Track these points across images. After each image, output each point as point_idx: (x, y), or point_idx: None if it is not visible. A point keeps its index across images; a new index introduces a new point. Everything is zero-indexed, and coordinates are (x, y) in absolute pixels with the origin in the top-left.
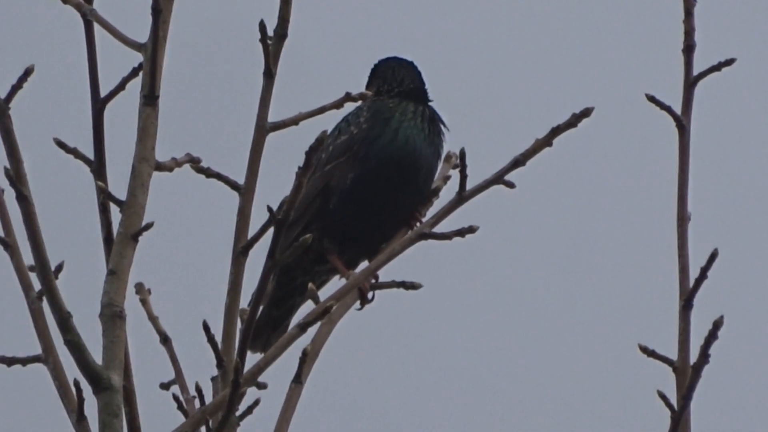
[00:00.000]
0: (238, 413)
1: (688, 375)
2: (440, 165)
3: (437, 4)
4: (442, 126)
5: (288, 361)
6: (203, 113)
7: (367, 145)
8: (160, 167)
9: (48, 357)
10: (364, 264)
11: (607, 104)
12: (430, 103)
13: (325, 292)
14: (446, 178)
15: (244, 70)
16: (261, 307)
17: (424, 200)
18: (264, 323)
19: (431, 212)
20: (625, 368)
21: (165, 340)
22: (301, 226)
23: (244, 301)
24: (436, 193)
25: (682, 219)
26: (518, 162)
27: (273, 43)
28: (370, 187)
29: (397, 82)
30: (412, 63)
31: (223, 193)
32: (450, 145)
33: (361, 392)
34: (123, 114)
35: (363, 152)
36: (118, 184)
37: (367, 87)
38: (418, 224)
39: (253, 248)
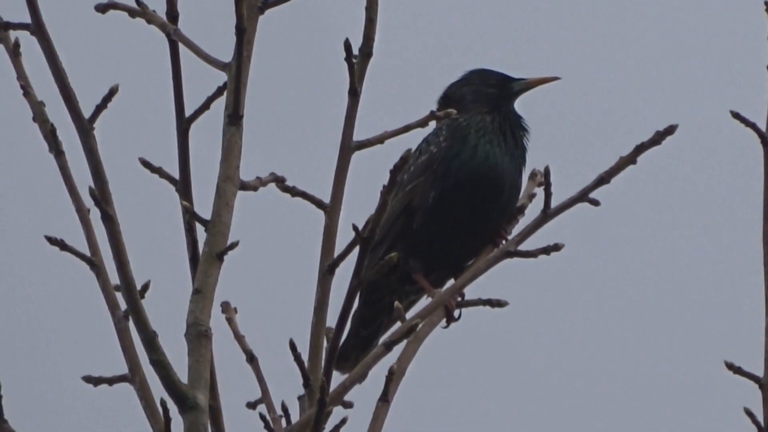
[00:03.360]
0: None
1: None
2: (525, 180)
3: (530, 20)
4: (522, 132)
5: (375, 379)
6: (288, 132)
7: (447, 163)
8: (244, 186)
9: (134, 376)
10: (450, 283)
11: (692, 121)
12: (508, 104)
13: (413, 312)
14: (531, 196)
15: (330, 88)
16: (349, 327)
17: (509, 217)
18: (352, 343)
19: (516, 230)
20: (711, 385)
21: (251, 359)
22: (386, 245)
23: (331, 320)
24: (521, 210)
25: None
26: (603, 180)
27: (358, 62)
28: (452, 205)
29: (457, 99)
30: (476, 71)
31: (308, 211)
32: (535, 162)
33: (447, 411)
34: (208, 133)
35: (443, 170)
36: (203, 204)
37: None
38: (503, 242)
39: (339, 267)
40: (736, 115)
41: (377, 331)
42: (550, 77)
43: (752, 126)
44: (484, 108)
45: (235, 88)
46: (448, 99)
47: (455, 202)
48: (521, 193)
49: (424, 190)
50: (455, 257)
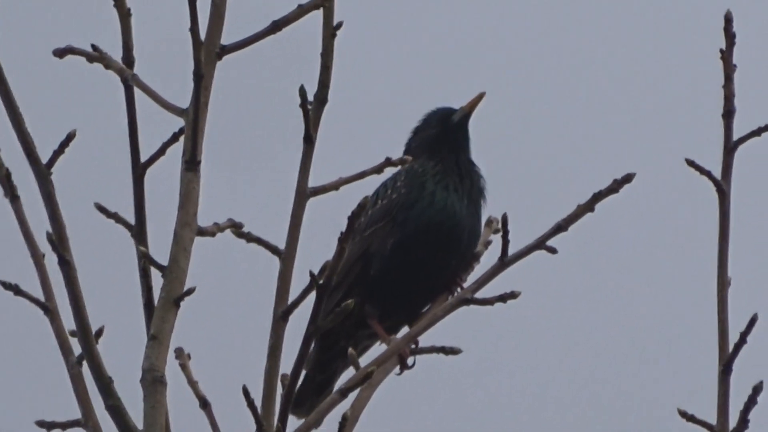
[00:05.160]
0: None
1: None
2: (482, 227)
3: (478, 73)
4: (477, 177)
5: (328, 426)
6: (245, 177)
7: (405, 210)
8: (202, 232)
9: (87, 421)
10: (405, 330)
11: (648, 169)
12: (455, 139)
13: (367, 358)
14: (487, 243)
15: (285, 134)
16: (304, 372)
17: (465, 265)
18: (308, 388)
19: (472, 277)
20: None
21: (204, 404)
22: (342, 291)
23: (285, 366)
24: (477, 258)
25: (723, 284)
26: (560, 227)
27: (313, 108)
28: (410, 253)
29: (412, 145)
30: (425, 115)
31: (263, 257)
32: (492, 209)
33: None
34: (164, 178)
35: (402, 217)
36: (160, 248)
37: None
38: (459, 289)
39: (293, 313)
40: (691, 163)
41: (332, 376)
42: (478, 95)
43: (707, 174)
44: (433, 151)
45: (192, 134)
46: (408, 146)
47: (414, 250)
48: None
49: (383, 237)
50: (412, 304)
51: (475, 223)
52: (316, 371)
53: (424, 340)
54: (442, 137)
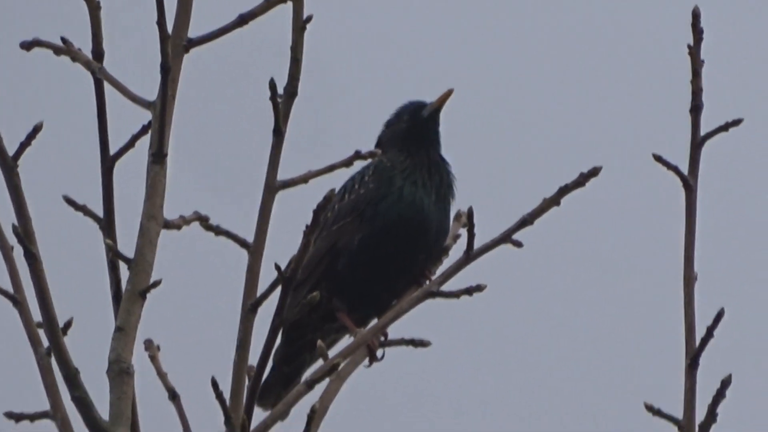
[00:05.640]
0: None
1: None
2: (451, 221)
3: (448, 65)
4: (446, 173)
5: (297, 417)
6: (212, 170)
7: (373, 206)
8: (168, 225)
9: (56, 413)
10: (374, 322)
11: (615, 164)
12: (424, 135)
13: (336, 350)
14: (456, 237)
15: (254, 128)
16: (271, 364)
17: (434, 258)
18: (275, 380)
19: (440, 271)
20: (631, 427)
21: (173, 396)
22: (309, 285)
23: (253, 359)
24: (446, 251)
25: (689, 278)
26: (526, 221)
27: (283, 102)
28: (377, 248)
29: (383, 140)
30: (398, 109)
31: (232, 251)
32: (459, 203)
33: None
34: (133, 171)
35: (370, 213)
36: (127, 242)
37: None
38: (427, 282)
39: (261, 306)
40: (658, 158)
41: (300, 368)
42: (446, 92)
43: (674, 169)
44: (403, 146)
45: (159, 127)
46: (379, 139)
47: (381, 245)
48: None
49: (350, 232)
50: (380, 298)
51: (444, 218)
52: (283, 363)
53: (393, 333)
54: (413, 132)
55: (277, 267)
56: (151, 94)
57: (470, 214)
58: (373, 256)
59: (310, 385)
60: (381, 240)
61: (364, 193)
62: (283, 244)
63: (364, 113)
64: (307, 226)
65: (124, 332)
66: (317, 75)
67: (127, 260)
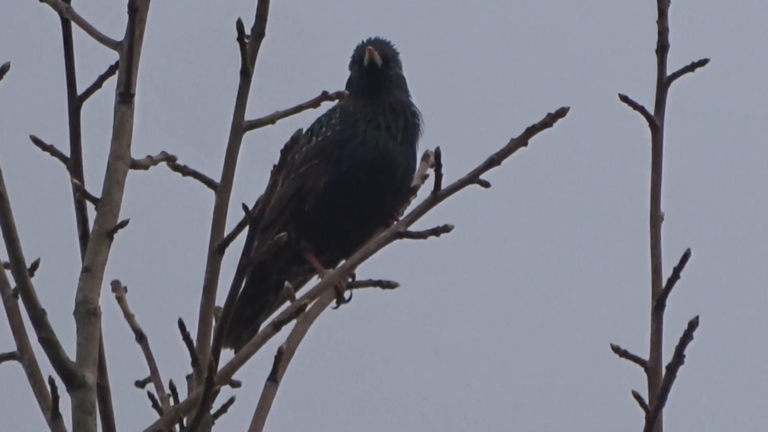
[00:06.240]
0: (212, 411)
1: (660, 375)
2: (419, 162)
3: (418, 6)
4: (411, 114)
5: (264, 359)
6: (180, 111)
7: (339, 148)
8: (135, 165)
9: (23, 354)
10: (342, 263)
11: (582, 104)
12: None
13: (302, 292)
14: (424, 177)
15: (222, 68)
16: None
17: (402, 199)
18: (236, 320)
19: (408, 211)
20: (598, 369)
21: (141, 338)
22: (277, 228)
23: (220, 300)
24: (414, 191)
25: (655, 219)
26: (493, 161)
27: (250, 42)
28: (344, 190)
29: (349, 82)
30: (356, 50)
31: (199, 191)
32: (426, 144)
33: (336, 391)
34: (100, 112)
35: (336, 155)
36: (95, 182)
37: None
38: (394, 223)
39: (229, 247)
40: (624, 99)
41: (262, 308)
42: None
43: (641, 109)
44: (362, 91)
45: (126, 67)
46: (347, 82)
47: (347, 188)
48: (416, 174)
49: (317, 175)
50: (347, 240)
51: (410, 159)
52: (246, 304)
53: (361, 275)
54: (365, 79)
55: (245, 207)
56: (119, 34)
57: (437, 154)
58: (340, 198)
59: (277, 326)
60: (347, 182)
61: (330, 135)
62: (251, 186)
63: (332, 53)
64: (274, 166)
65: (91, 273)
66: (286, 17)
67: (94, 200)
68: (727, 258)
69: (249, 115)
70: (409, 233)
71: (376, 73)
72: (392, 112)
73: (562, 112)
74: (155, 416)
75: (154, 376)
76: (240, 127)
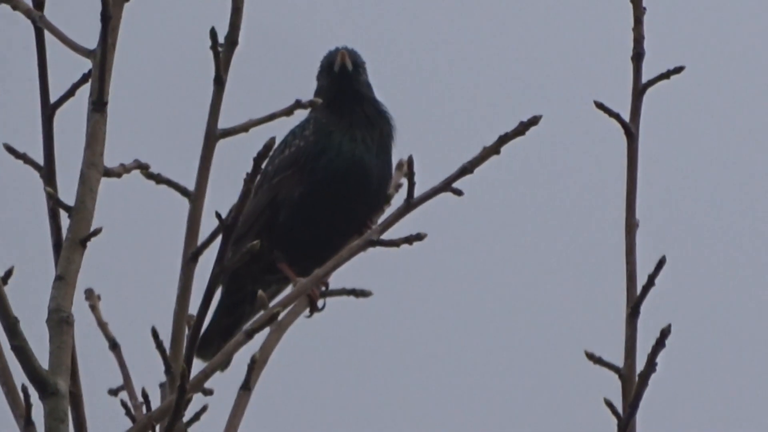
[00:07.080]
0: (185, 419)
1: (634, 382)
2: (393, 170)
3: (389, 10)
4: (385, 122)
5: (237, 368)
6: (154, 119)
7: (313, 160)
8: (108, 173)
9: None
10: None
11: (558, 111)
12: (361, 94)
13: (276, 301)
14: (398, 186)
15: (195, 76)
16: (212, 316)
17: (376, 209)
18: (215, 331)
19: (381, 219)
20: (571, 375)
21: (114, 346)
22: (250, 238)
23: (194, 308)
24: (388, 200)
25: (630, 226)
26: (466, 170)
27: (224, 50)
28: (319, 201)
29: (318, 92)
30: (324, 60)
31: (173, 199)
32: (400, 152)
33: (309, 400)
34: (73, 120)
35: (309, 166)
36: (68, 190)
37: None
38: (367, 231)
39: (202, 255)
40: (600, 106)
41: (239, 319)
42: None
43: (616, 117)
44: (334, 101)
45: (99, 75)
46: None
47: (322, 199)
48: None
49: (291, 185)
50: (320, 249)
51: (385, 168)
52: (223, 315)
53: (334, 283)
54: (337, 85)
55: (218, 215)
56: (92, 42)
57: (410, 162)
58: (314, 209)
59: (250, 334)
60: (322, 194)
61: (303, 146)
62: (225, 194)
63: (305, 62)
64: (247, 174)
65: (64, 281)
66: (260, 26)
67: (67, 208)
68: (702, 265)
69: (222, 124)
70: (382, 241)
71: (347, 77)
72: (368, 125)
73: (534, 120)
74: (128, 424)
75: (127, 384)
76: (213, 136)
